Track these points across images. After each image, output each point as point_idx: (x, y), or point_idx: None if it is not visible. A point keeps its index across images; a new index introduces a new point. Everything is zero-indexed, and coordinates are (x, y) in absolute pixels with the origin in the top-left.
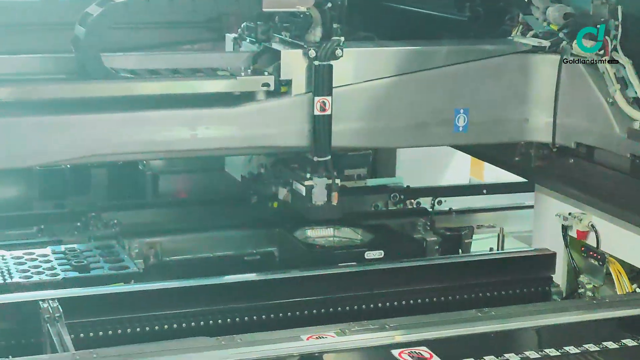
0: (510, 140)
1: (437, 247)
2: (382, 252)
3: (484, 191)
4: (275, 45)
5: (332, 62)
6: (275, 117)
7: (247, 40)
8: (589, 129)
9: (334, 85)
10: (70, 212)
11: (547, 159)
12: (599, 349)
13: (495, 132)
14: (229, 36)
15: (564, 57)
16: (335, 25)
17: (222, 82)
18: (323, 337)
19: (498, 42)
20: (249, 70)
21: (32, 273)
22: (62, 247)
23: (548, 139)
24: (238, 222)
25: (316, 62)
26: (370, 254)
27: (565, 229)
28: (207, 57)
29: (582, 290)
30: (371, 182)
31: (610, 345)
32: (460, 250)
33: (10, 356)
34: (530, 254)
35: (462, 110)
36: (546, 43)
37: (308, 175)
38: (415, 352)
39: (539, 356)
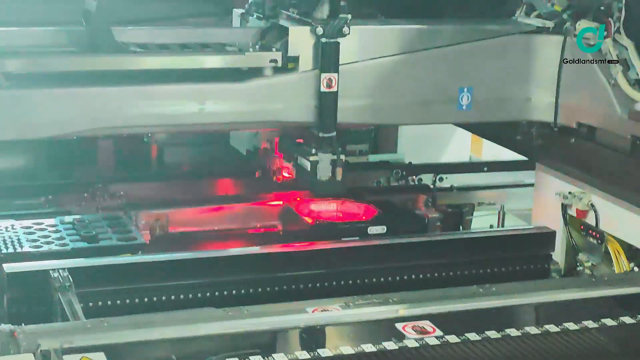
0: (513, 119)
1: (439, 223)
2: (384, 227)
3: (485, 169)
4: (283, 22)
5: (338, 40)
6: (282, 93)
7: (254, 16)
8: (591, 110)
9: (340, 63)
10: (77, 184)
11: (548, 138)
12: (597, 325)
13: (498, 111)
14: (237, 11)
15: (567, 38)
16: (342, 3)
17: (231, 58)
18: (328, 310)
19: (502, 22)
20: (257, 46)
21: (41, 243)
22: (71, 218)
23: (550, 118)
24: (242, 196)
25: (323, 39)
26: (373, 229)
27: (565, 207)
28: (215, 32)
29: (581, 268)
30: (373, 158)
31: (609, 322)
32: (461, 227)
33: (22, 324)
34: (530, 231)
35: (466, 89)
36: (550, 24)
37: (313, 151)
38: (418, 326)
39: (539, 332)
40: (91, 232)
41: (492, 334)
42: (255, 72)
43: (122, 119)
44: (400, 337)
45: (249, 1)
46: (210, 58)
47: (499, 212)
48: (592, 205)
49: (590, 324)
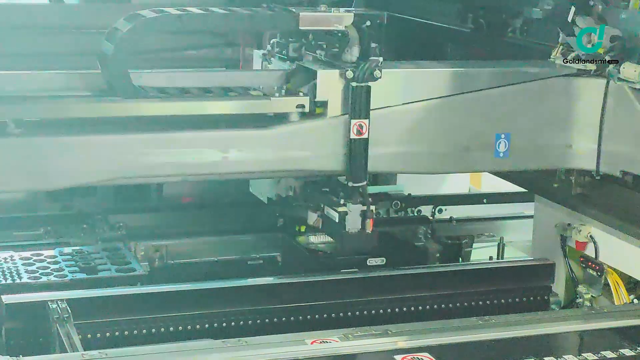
0: (553, 167)
1: (438, 255)
2: (383, 259)
3: (484, 200)
4: (309, 65)
5: (369, 84)
6: (310, 140)
7: (277, 57)
8: (635, 157)
9: (370, 108)
10: (76, 214)
11: (588, 186)
12: (597, 357)
13: (537, 158)
14: (258, 52)
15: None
16: (373, 45)
17: (256, 103)
18: (327, 342)
19: (540, 64)
20: (283, 91)
21: (40, 274)
22: (70, 249)
23: (592, 166)
24: (241, 227)
25: (354, 84)
26: (372, 261)
27: (564, 239)
28: (237, 75)
29: (580, 300)
30: (372, 189)
31: (609, 354)
32: (460, 259)
33: (20, 355)
34: (529, 263)
35: (503, 135)
36: (591, 66)
37: (342, 201)
38: (417, 357)
39: None
40: (90, 263)
41: None
42: (280, 118)
43: (141, 169)
44: None
45: (271, 41)
46: (233, 103)
47: (499, 244)
48: (592, 237)
49: (589, 356)
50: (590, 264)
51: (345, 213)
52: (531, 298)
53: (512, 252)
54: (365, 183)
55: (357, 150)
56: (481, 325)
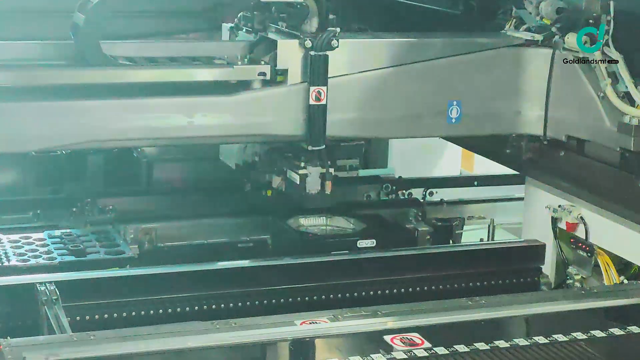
0: (503, 132)
1: (429, 237)
2: (374, 241)
3: (475, 183)
4: (271, 35)
5: (327, 53)
6: (271, 106)
7: (244, 30)
8: (580, 122)
9: (329, 76)
10: (66, 198)
11: (537, 152)
12: (586, 337)
13: (487, 124)
14: (226, 26)
15: (556, 51)
16: (330, 16)
17: (219, 71)
18: (316, 323)
19: (491, 35)
20: (246, 60)
21: (29, 257)
22: (59, 232)
23: (539, 131)
24: (231, 210)
25: (312, 52)
26: (362, 243)
27: (554, 220)
28: (204, 45)
29: (571, 281)
30: (363, 172)
31: (598, 334)
32: (451, 241)
33: (8, 337)
34: (520, 244)
35: (455, 102)
36: (539, 37)
37: (302, 164)
38: (407, 337)
39: (528, 343)
40: (79, 246)
41: (481, 346)
42: (244, 85)
43: (110, 133)
44: (389, 349)
45: (239, 15)
46: (198, 71)
47: (489, 226)
48: (582, 219)
49: (579, 335)
50: (580, 245)
51: (306, 175)
52: (521, 279)
53: (502, 234)
54: (323, 147)
55: (315, 115)
56: (471, 305)
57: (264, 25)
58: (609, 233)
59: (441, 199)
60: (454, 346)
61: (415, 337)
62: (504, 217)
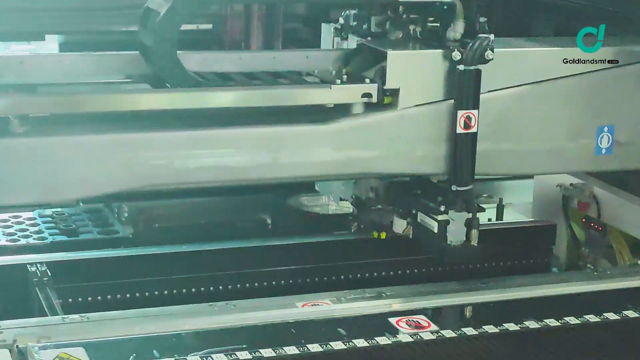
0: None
1: None
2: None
3: None
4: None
5: (479, 67)
6: (378, 136)
7: (353, 33)
8: None
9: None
10: None
11: None
12: (599, 319)
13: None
14: (327, 27)
15: None
16: (482, 20)
17: (313, 92)
18: (318, 305)
19: None
20: (344, 75)
21: (19, 236)
22: (50, 211)
23: None
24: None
25: (461, 67)
26: None
27: (566, 199)
28: (286, 56)
29: (583, 262)
30: None
31: (611, 316)
32: None
33: None
34: (529, 224)
35: (606, 128)
36: None
37: (442, 208)
38: (413, 320)
39: (539, 326)
40: (71, 226)
41: (490, 328)
42: (341, 110)
43: (172, 174)
44: (394, 331)
45: (344, 13)
46: (289, 92)
47: (498, 206)
48: (594, 197)
49: (592, 318)
50: (592, 225)
51: (447, 222)
52: (532, 261)
53: (511, 215)
54: (471, 187)
55: (464, 146)
56: (480, 287)
57: (383, 29)
58: (623, 212)
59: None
60: (462, 329)
61: (422, 319)
62: (513, 196)
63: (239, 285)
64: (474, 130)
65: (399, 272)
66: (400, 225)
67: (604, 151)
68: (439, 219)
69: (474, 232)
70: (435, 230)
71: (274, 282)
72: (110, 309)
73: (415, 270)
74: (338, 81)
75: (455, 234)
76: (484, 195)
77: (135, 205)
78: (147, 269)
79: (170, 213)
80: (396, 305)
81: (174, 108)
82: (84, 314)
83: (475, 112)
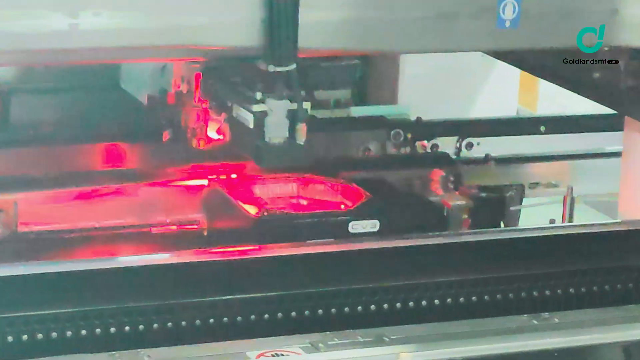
0: (586, 45)
1: (466, 216)
2: (376, 222)
3: (542, 128)
4: None
5: None
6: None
7: None
8: None
9: None
10: None
11: None
12: None
13: (561, 32)
14: None
15: None
16: None
17: None
18: (281, 355)
19: None
20: None
21: None
22: None
23: None
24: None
25: None
26: (356, 225)
27: None
28: None
29: None
30: (359, 111)
31: None
32: (502, 223)
33: None
34: (615, 228)
35: None
36: None
37: (259, 96)
38: None
39: None
40: None
41: None
42: None
43: None
44: None
45: None
46: None
47: (565, 198)
48: None
49: None
50: None
51: (265, 113)
52: (619, 284)
53: (585, 211)
54: (294, 66)
55: (282, 15)
56: (536, 327)
57: None
58: None
59: (486, 155)
60: None
61: None
62: (587, 183)
63: (156, 325)
64: None
65: (409, 302)
66: (213, 125)
67: (507, 23)
68: (254, 110)
69: (300, 127)
70: (251, 125)
71: (213, 319)
72: None
73: (435, 300)
74: None
75: (275, 128)
76: (544, 182)
77: None
78: (10, 296)
79: (46, 211)
80: (405, 355)
81: None
82: None
83: None
